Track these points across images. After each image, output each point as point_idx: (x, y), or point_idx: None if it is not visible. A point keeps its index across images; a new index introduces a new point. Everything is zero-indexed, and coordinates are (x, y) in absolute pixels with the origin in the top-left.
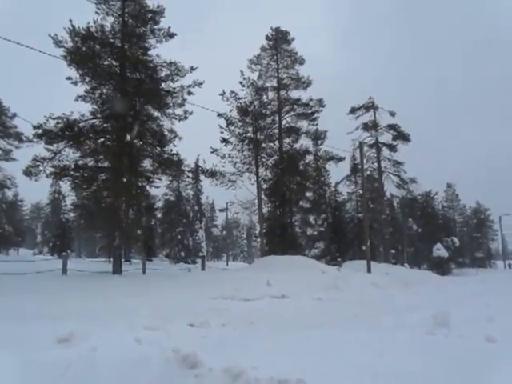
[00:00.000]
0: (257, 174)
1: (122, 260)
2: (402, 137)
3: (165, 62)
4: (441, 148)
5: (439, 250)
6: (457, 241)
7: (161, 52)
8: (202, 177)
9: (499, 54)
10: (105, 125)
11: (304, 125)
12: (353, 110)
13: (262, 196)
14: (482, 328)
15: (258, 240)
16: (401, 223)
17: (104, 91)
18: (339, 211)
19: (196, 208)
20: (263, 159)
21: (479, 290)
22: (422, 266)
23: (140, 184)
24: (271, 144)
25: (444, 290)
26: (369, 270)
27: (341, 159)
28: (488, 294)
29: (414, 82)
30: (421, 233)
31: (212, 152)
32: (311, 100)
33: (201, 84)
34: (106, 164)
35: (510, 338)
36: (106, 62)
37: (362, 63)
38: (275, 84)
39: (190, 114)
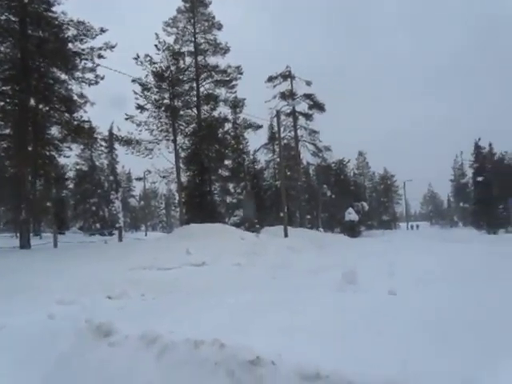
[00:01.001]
0: (175, 141)
1: (31, 234)
2: (318, 106)
3: (71, 20)
4: (353, 119)
5: (350, 214)
6: (366, 205)
7: (68, 10)
8: (116, 145)
9: (407, 30)
10: (4, 88)
11: (222, 92)
12: (270, 79)
13: (181, 164)
14: (385, 283)
15: (178, 209)
16: (316, 190)
17: (1, 49)
18: (258, 179)
19: (111, 178)
20: (181, 127)
21: (384, 249)
22: (336, 230)
23: (47, 153)
24: (189, 111)
25: (354, 251)
26: (286, 235)
27: (259, 127)
28: (391, 253)
29: (329, 51)
30: (334, 198)
31: (127, 119)
32: (229, 67)
33: (113, 47)
34: (7, 131)
35: (408, 290)
36: (3, 17)
37: (282, 31)
38: (192, 49)
39: (102, 78)
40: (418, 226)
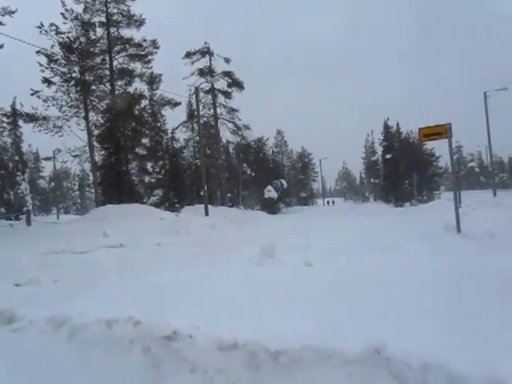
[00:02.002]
0: (87, 118)
1: None
2: (237, 84)
3: None
4: (271, 97)
5: (270, 192)
6: (285, 183)
7: None
8: (21, 122)
9: (328, 17)
10: None
11: (138, 67)
12: (188, 55)
13: (94, 143)
14: (301, 255)
15: (93, 190)
16: (236, 168)
17: None
18: (177, 158)
19: (16, 158)
20: (93, 103)
21: (301, 224)
22: (256, 207)
23: None
24: (102, 86)
25: (273, 227)
26: (207, 214)
27: (177, 104)
28: (308, 227)
29: (251, 28)
30: (254, 176)
31: (32, 94)
32: (145, 41)
33: (12, 12)
34: None
35: (322, 261)
36: None
37: (202, 7)
38: (104, 20)
39: (1, 47)
40: (333, 202)
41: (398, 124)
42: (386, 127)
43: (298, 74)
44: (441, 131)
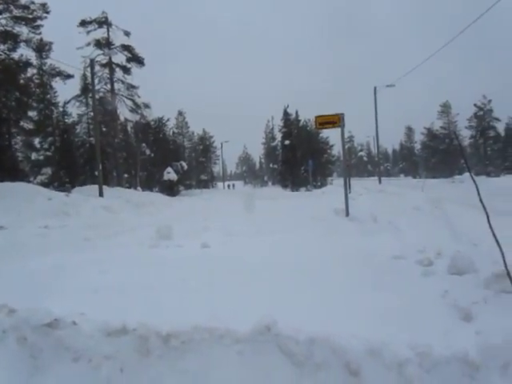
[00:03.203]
0: None
1: None
2: (137, 60)
3: None
4: (175, 77)
5: (169, 174)
6: (185, 165)
7: None
8: None
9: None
10: None
11: (24, 31)
12: (84, 23)
13: None
14: (199, 237)
15: None
16: (134, 148)
17: None
18: (69, 134)
19: None
20: None
21: (201, 207)
22: (154, 189)
23: None
24: None
25: (172, 209)
26: (101, 195)
27: (69, 76)
28: (207, 210)
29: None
30: (153, 157)
31: None
32: (32, 3)
33: None
34: None
35: (220, 243)
36: None
37: None
38: None
39: None
40: (233, 186)
41: (297, 112)
42: (286, 114)
43: (207, 55)
44: (335, 120)
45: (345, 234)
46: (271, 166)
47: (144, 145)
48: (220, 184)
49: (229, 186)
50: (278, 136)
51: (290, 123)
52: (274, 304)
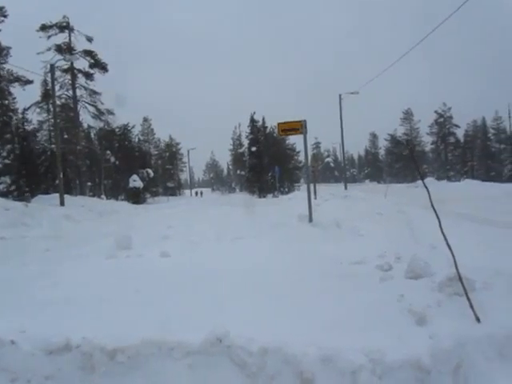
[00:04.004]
0: None
1: None
2: (100, 65)
3: None
4: (141, 83)
5: (135, 181)
6: (151, 172)
7: None
8: None
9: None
10: None
11: None
12: (44, 28)
13: None
14: (159, 246)
15: None
16: (98, 155)
17: None
18: (29, 141)
19: None
20: None
21: (165, 215)
22: (120, 197)
23: None
24: None
25: (136, 217)
26: (62, 204)
27: (28, 82)
28: (171, 218)
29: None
30: (118, 165)
31: None
32: None
33: None
34: None
35: (180, 252)
36: None
37: None
38: None
39: None
40: (201, 193)
41: (263, 119)
42: (253, 121)
43: (174, 62)
44: (297, 127)
45: (306, 240)
46: (239, 172)
47: (108, 152)
48: (187, 191)
49: (196, 193)
50: (245, 143)
51: (257, 130)
52: (229, 314)
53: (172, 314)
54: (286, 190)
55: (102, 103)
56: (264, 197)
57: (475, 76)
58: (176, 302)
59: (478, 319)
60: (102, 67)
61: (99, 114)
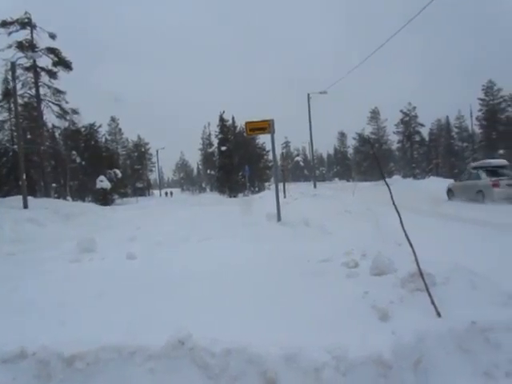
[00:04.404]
0: None
1: None
2: (64, 63)
3: None
4: (107, 82)
5: (102, 182)
6: (119, 173)
7: None
8: None
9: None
10: None
11: None
12: (4, 24)
13: None
14: (125, 248)
15: None
16: (63, 156)
17: None
18: None
19: None
20: None
21: (134, 216)
22: (87, 199)
23: None
24: None
25: (103, 220)
26: (26, 206)
27: None
28: (140, 219)
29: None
30: (85, 165)
31: None
32: None
33: None
34: None
35: (147, 253)
36: None
37: None
38: None
39: None
40: (172, 193)
41: (233, 118)
42: (222, 120)
43: (144, 60)
44: (264, 126)
45: (274, 239)
46: (209, 172)
47: (74, 152)
48: (157, 191)
49: (166, 193)
50: (215, 142)
51: (227, 129)
52: (194, 316)
53: (136, 318)
54: (257, 189)
55: (67, 102)
56: (235, 196)
57: (439, 76)
58: (140, 305)
59: (438, 314)
60: (66, 65)
61: (64, 114)
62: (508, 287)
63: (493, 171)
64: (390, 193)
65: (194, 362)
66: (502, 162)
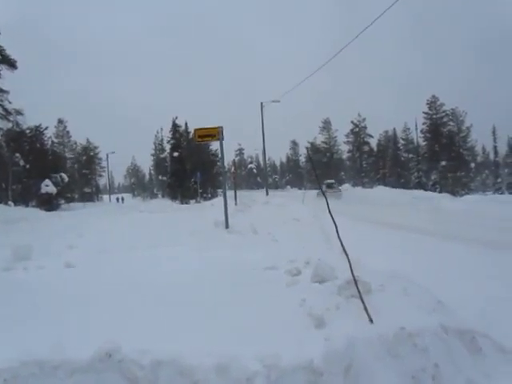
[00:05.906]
0: None
1: None
2: (7, 62)
3: None
4: (57, 84)
5: (48, 187)
6: (66, 177)
7: None
8: None
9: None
10: None
11: None
12: None
13: None
14: (65, 256)
15: None
16: (6, 158)
17: None
18: None
19: None
20: None
21: (79, 222)
22: (31, 204)
23: None
24: None
25: (45, 225)
26: None
27: None
28: (85, 226)
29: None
30: (29, 169)
31: None
32: None
33: None
34: None
35: (87, 262)
36: None
37: None
38: None
39: None
40: (123, 199)
41: (186, 124)
42: (175, 126)
43: (97, 63)
44: (214, 133)
45: (221, 247)
46: (160, 177)
47: (17, 155)
48: (106, 197)
49: (117, 198)
50: (167, 148)
51: (180, 135)
52: (128, 327)
53: (67, 331)
54: (210, 195)
55: (10, 102)
56: (187, 203)
57: (388, 90)
58: (73, 317)
59: (371, 320)
60: (10, 64)
61: (6, 114)
62: (437, 293)
63: (328, 184)
64: (327, 204)
65: (123, 374)
66: (332, 181)
